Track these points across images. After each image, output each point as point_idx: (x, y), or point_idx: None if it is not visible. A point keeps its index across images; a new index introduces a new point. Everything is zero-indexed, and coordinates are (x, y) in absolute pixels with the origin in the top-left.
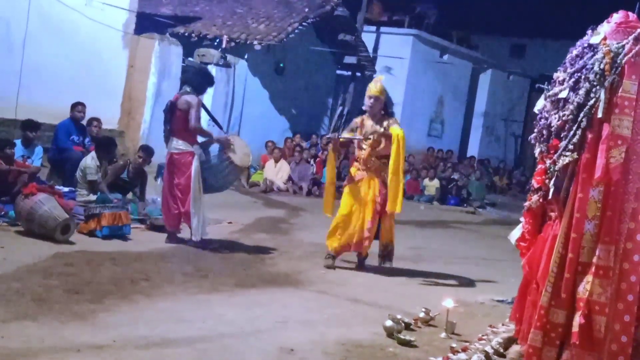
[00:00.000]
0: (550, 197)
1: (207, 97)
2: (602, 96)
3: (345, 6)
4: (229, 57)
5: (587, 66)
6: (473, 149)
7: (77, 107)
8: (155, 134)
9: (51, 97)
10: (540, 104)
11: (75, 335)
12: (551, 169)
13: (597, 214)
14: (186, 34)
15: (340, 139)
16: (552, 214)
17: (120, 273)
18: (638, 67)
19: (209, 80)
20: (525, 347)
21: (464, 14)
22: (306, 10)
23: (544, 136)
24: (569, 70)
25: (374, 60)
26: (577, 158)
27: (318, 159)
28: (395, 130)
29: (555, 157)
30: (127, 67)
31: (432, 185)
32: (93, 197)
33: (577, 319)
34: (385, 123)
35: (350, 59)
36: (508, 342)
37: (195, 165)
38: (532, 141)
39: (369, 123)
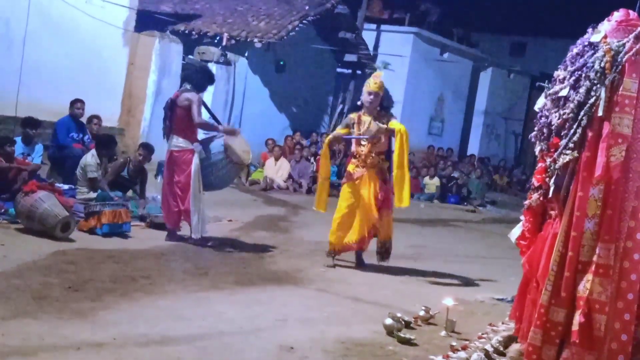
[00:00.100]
0: (550, 195)
1: (208, 95)
2: (603, 94)
3: (346, 4)
4: (230, 55)
5: (588, 64)
6: (473, 147)
7: (76, 104)
8: (156, 132)
9: (51, 95)
10: (540, 102)
11: (75, 333)
12: (551, 168)
13: (597, 213)
14: (186, 32)
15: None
16: (552, 213)
17: (120, 271)
18: (638, 65)
19: (209, 78)
20: (525, 346)
21: (465, 12)
22: (306, 8)
23: (545, 134)
24: (569, 68)
25: (374, 58)
26: (577, 156)
27: (318, 157)
28: (397, 125)
29: (555, 155)
30: (128, 65)
31: (432, 184)
32: (93, 195)
33: (577, 318)
34: (385, 119)
35: (350, 57)
36: (508, 341)
37: (195, 163)
38: (533, 139)
39: (366, 119)
